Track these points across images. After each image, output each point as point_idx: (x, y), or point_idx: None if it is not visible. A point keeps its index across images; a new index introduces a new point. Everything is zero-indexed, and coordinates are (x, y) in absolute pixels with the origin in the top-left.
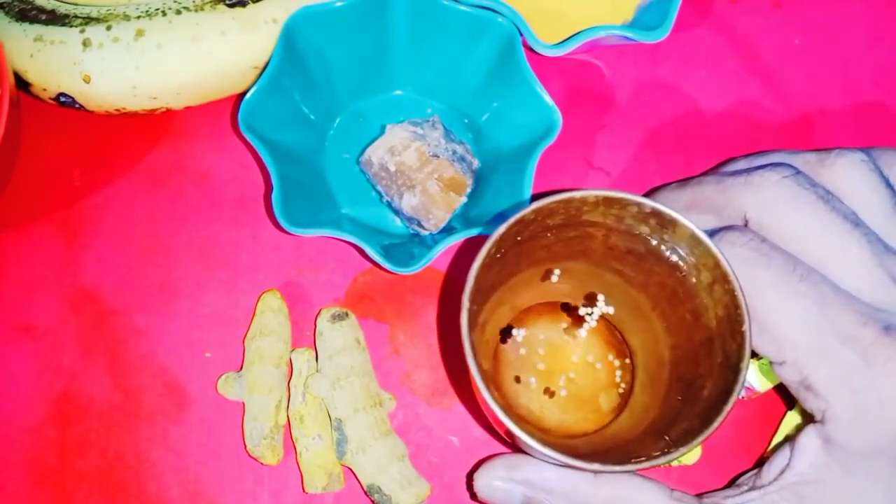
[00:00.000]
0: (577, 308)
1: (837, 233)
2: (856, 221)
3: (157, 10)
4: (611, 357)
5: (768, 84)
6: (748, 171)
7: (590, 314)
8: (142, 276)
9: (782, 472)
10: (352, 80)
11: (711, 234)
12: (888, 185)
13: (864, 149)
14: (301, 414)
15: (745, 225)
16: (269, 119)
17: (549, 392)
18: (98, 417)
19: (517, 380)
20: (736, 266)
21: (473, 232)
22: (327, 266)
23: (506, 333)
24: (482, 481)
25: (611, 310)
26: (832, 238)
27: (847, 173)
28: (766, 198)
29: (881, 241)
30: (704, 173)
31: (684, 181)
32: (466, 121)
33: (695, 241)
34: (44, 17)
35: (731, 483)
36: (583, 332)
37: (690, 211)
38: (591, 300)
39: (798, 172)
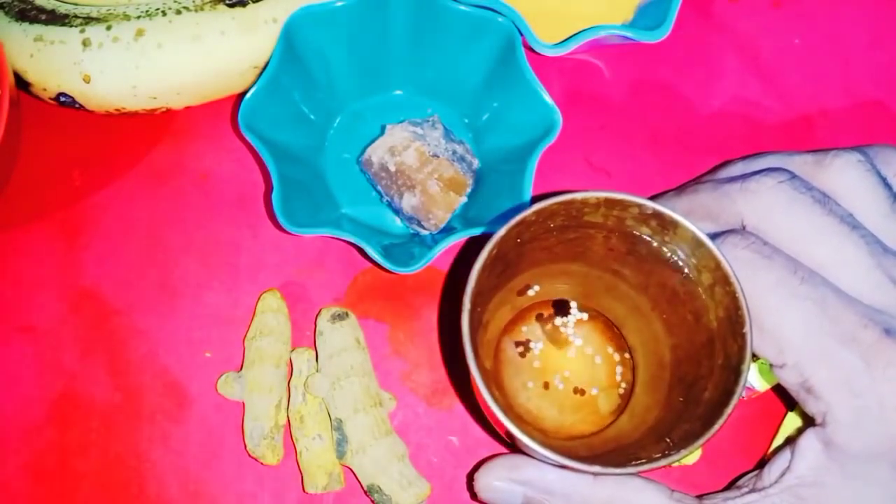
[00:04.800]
0: (552, 317)
1: (835, 236)
2: (853, 224)
3: (157, 9)
4: (610, 350)
5: (768, 84)
6: (744, 177)
7: (564, 325)
8: (142, 276)
9: (782, 474)
10: (352, 80)
11: (712, 237)
12: (886, 184)
13: (860, 148)
14: (301, 414)
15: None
16: (269, 119)
17: (580, 391)
18: (98, 417)
19: (546, 386)
20: (737, 268)
21: (473, 232)
22: (327, 266)
23: (525, 346)
24: (483, 482)
25: (584, 316)
26: (830, 241)
27: (844, 174)
28: (763, 203)
29: (879, 243)
30: (700, 177)
31: (680, 188)
32: (466, 121)
33: (696, 242)
34: (44, 16)
35: (732, 484)
36: (577, 339)
37: (688, 219)
38: (563, 309)
39: (794, 177)
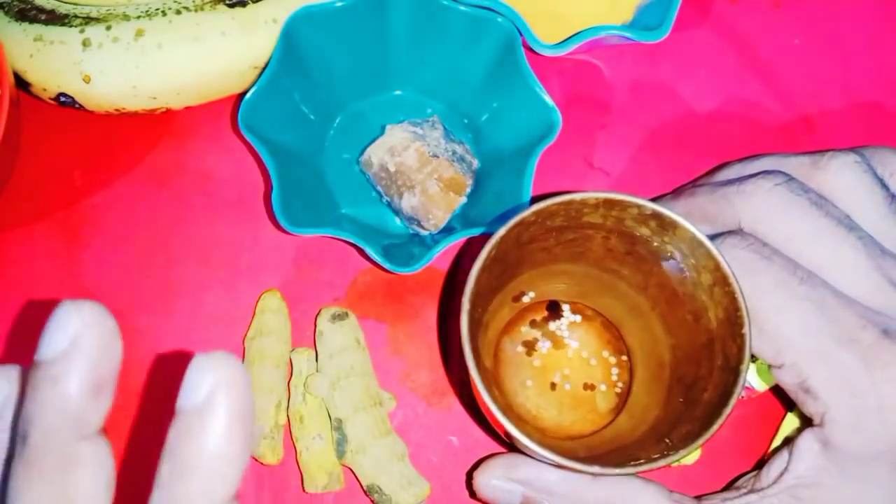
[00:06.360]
0: (545, 321)
1: (832, 238)
2: (850, 225)
3: (157, 10)
4: (606, 353)
5: (768, 84)
6: (740, 179)
7: (559, 328)
8: (142, 276)
9: (781, 475)
10: (352, 80)
11: (711, 238)
12: (882, 185)
13: (856, 149)
14: (301, 414)
15: None
16: (269, 119)
17: (589, 386)
18: None
19: (553, 386)
20: (737, 268)
21: (473, 232)
22: (327, 266)
23: (531, 346)
24: (481, 480)
25: (577, 318)
26: (827, 243)
27: (840, 176)
28: (760, 206)
29: (877, 244)
30: (697, 180)
31: (677, 191)
32: (466, 121)
33: (695, 243)
34: (43, 16)
35: (731, 485)
36: (573, 342)
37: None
38: (556, 312)
39: (790, 179)
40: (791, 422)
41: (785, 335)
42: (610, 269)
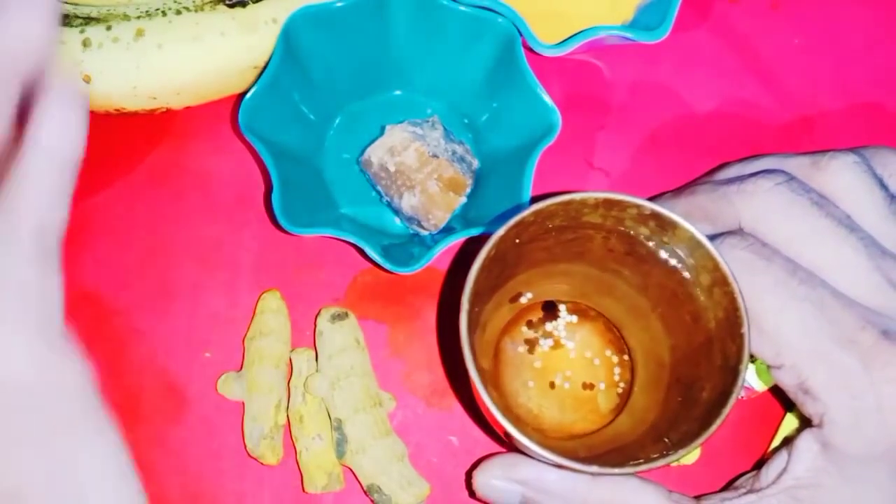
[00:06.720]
0: (542, 322)
1: (832, 238)
2: (850, 226)
3: (157, 10)
4: (608, 352)
5: (767, 84)
6: (741, 178)
7: (556, 328)
8: (142, 276)
9: (780, 475)
10: (351, 80)
11: (710, 238)
12: (882, 185)
13: (856, 149)
14: (301, 414)
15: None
16: (268, 119)
17: (588, 385)
18: None
19: (552, 385)
20: (736, 269)
21: (473, 232)
22: (327, 266)
23: (533, 345)
24: (481, 480)
25: (574, 318)
26: (828, 244)
27: (840, 176)
28: (760, 206)
29: (877, 245)
30: (697, 179)
31: (678, 191)
32: (466, 121)
33: (694, 243)
34: None
35: (730, 485)
36: (569, 342)
37: (686, 220)
38: (553, 313)
39: (791, 179)
40: (790, 422)
41: (784, 336)
42: (610, 270)
